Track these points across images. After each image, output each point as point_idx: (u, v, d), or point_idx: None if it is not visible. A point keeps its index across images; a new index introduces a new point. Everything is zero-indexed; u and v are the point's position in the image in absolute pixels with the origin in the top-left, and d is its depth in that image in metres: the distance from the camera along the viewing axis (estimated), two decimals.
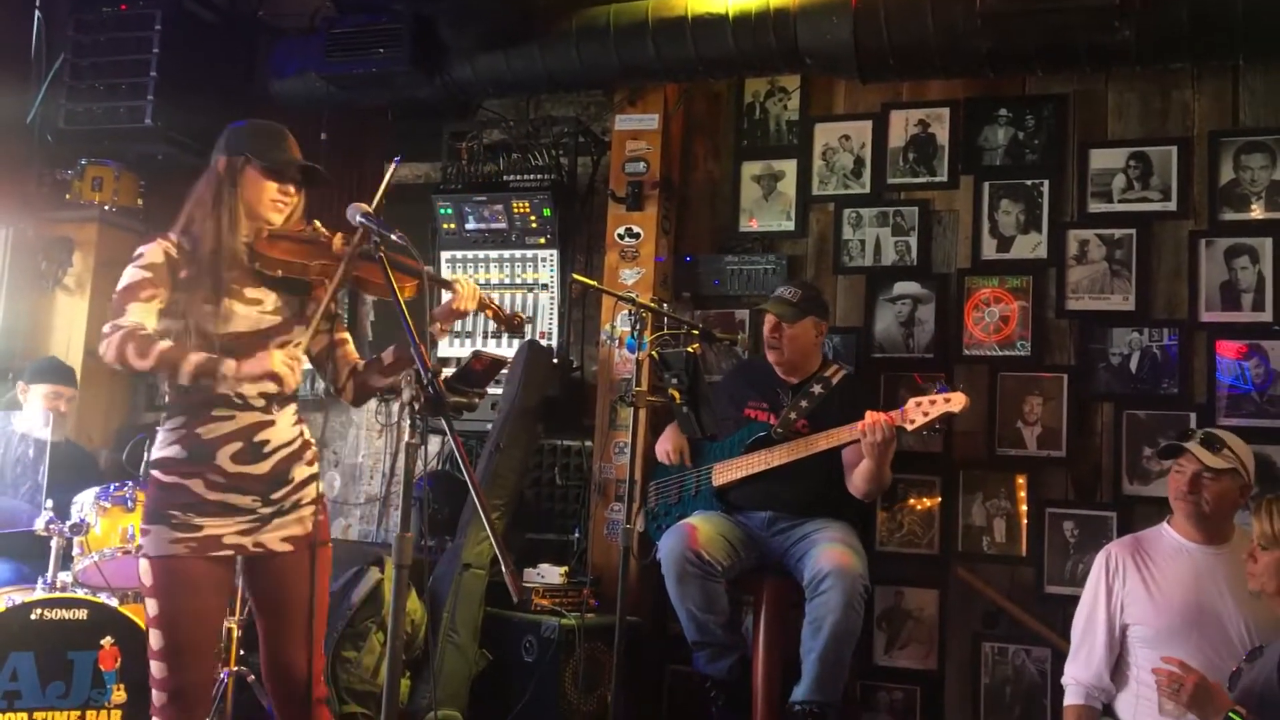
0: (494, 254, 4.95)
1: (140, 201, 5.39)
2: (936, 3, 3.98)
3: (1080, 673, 3.25)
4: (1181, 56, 4.05)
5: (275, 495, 2.70)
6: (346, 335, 2.92)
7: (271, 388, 2.64)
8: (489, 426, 4.58)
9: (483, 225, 4.92)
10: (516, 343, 4.75)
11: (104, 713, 3.59)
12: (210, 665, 2.76)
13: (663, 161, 4.73)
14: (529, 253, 4.91)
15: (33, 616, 3.53)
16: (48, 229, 5.29)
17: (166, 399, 2.72)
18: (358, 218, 2.67)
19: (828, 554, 3.69)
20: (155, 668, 2.62)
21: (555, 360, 4.79)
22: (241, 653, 3.85)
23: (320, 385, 2.99)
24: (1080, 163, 4.37)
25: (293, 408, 2.79)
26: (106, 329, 2.57)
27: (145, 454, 3.97)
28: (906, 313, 4.50)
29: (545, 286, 4.91)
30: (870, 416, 3.66)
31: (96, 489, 3.89)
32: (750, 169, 4.83)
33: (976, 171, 4.49)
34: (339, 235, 2.76)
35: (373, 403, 5.26)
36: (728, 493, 4.01)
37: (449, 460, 4.99)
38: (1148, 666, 3.06)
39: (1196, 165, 4.24)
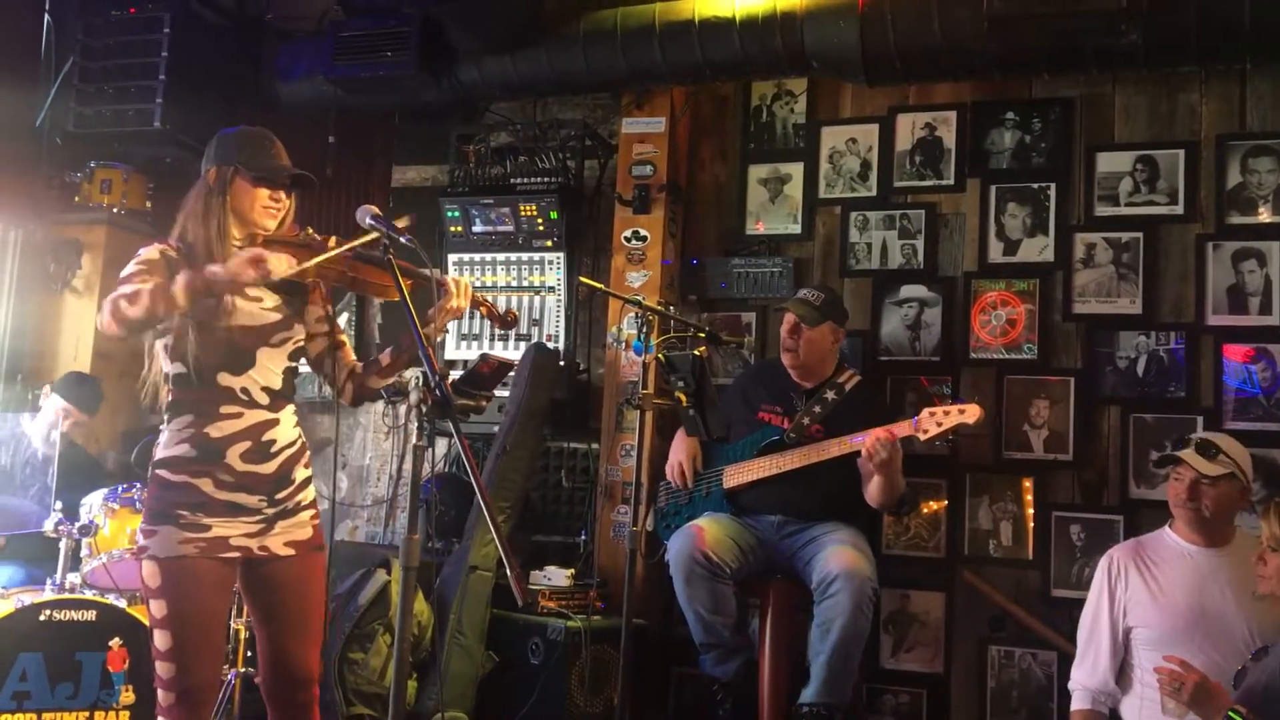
0: (501, 257, 4.96)
1: (149, 204, 5.40)
2: (943, 6, 3.99)
3: (1086, 678, 3.25)
4: (1189, 60, 4.05)
5: (279, 495, 2.71)
6: (344, 338, 2.93)
7: (252, 275, 2.54)
8: (495, 429, 4.58)
9: (490, 228, 4.93)
10: (523, 345, 4.76)
11: (112, 713, 3.60)
12: (218, 665, 2.75)
13: (669, 164, 4.74)
14: (536, 255, 4.92)
15: (41, 618, 3.54)
16: (56, 231, 5.30)
17: (171, 397, 2.71)
18: (367, 220, 2.68)
19: (836, 556, 3.69)
20: (162, 669, 2.61)
21: (562, 363, 4.79)
22: (249, 654, 3.87)
23: (328, 389, 2.98)
24: (1087, 166, 4.37)
25: (292, 408, 2.81)
26: (102, 307, 2.58)
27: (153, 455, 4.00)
28: (913, 316, 4.50)
29: (552, 289, 4.92)
30: (869, 439, 3.66)
31: (105, 490, 3.91)
32: (757, 172, 4.84)
33: (983, 175, 4.49)
34: (333, 239, 2.77)
35: (380, 405, 5.27)
36: (738, 495, 4.01)
37: (456, 463, 5.00)
38: (1151, 669, 3.06)
39: (1204, 169, 4.24)
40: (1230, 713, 2.65)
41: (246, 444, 2.67)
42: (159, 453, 2.70)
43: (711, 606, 3.78)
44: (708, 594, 3.77)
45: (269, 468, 2.70)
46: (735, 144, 4.90)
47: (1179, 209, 4.25)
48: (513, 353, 4.72)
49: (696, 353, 3.75)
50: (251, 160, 2.74)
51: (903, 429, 3.69)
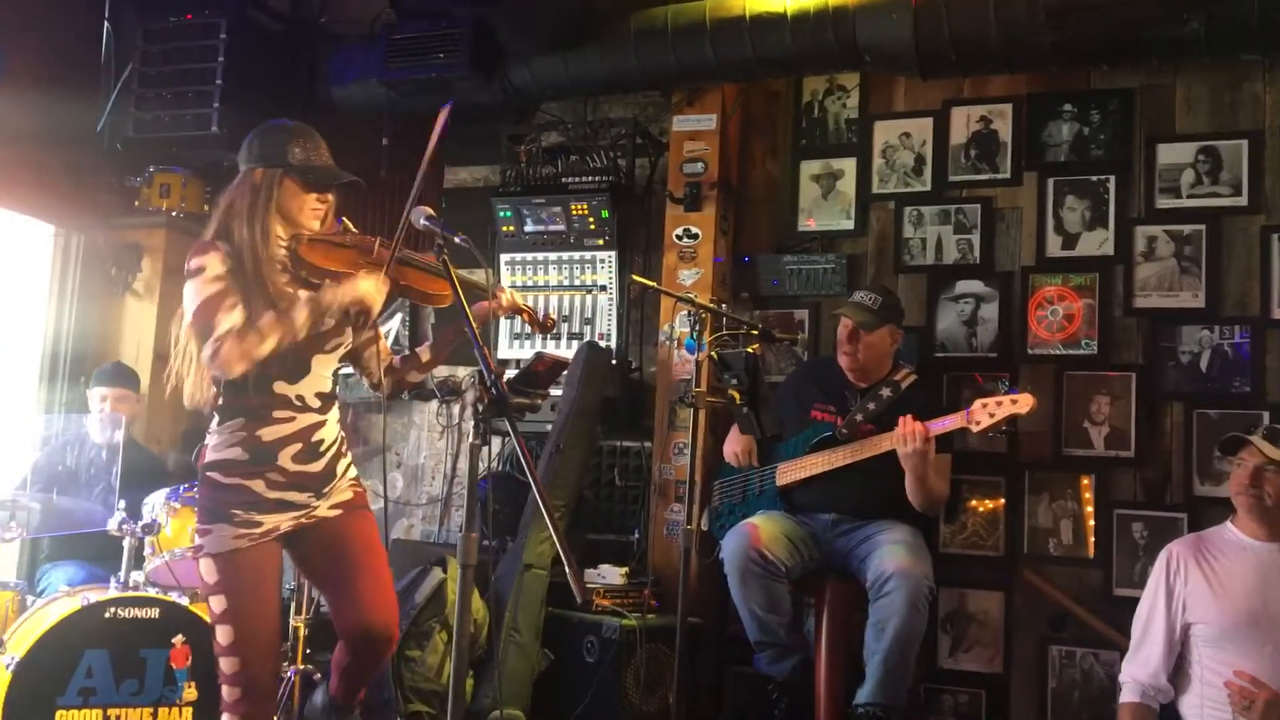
0: (552, 256, 4.97)
1: (206, 207, 5.47)
2: None
3: (1138, 672, 3.20)
4: (1252, 48, 3.96)
5: (326, 489, 2.81)
6: (379, 332, 2.97)
7: (355, 310, 2.68)
8: (549, 427, 4.59)
9: (541, 227, 4.94)
10: (575, 344, 4.77)
11: (176, 710, 3.65)
12: (277, 658, 2.81)
13: (721, 162, 4.72)
14: (587, 254, 4.92)
15: (107, 615, 3.60)
16: (117, 235, 5.39)
17: (222, 402, 2.73)
18: (422, 221, 2.70)
19: (891, 555, 3.66)
20: (225, 663, 2.67)
21: (614, 361, 4.80)
22: (308, 651, 3.91)
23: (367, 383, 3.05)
24: (1148, 158, 4.30)
25: (336, 406, 2.87)
26: (209, 350, 2.59)
27: None
28: (969, 311, 4.44)
29: (604, 288, 4.92)
30: (902, 427, 3.63)
31: (166, 490, 3.97)
32: (809, 168, 4.81)
33: (1041, 168, 4.43)
34: (378, 239, 2.79)
35: (433, 404, 5.31)
36: (791, 493, 3.99)
37: (509, 461, 5.02)
38: (1212, 667, 3.02)
39: (1269, 159, 4.15)
40: None
41: (298, 446, 2.73)
42: (209, 455, 2.74)
43: (767, 605, 3.76)
44: (763, 593, 3.74)
45: (318, 466, 2.78)
46: (787, 140, 4.87)
47: (1243, 200, 4.16)
48: (565, 351, 4.72)
49: (750, 350, 3.74)
50: (302, 163, 2.76)
51: (955, 420, 3.65)
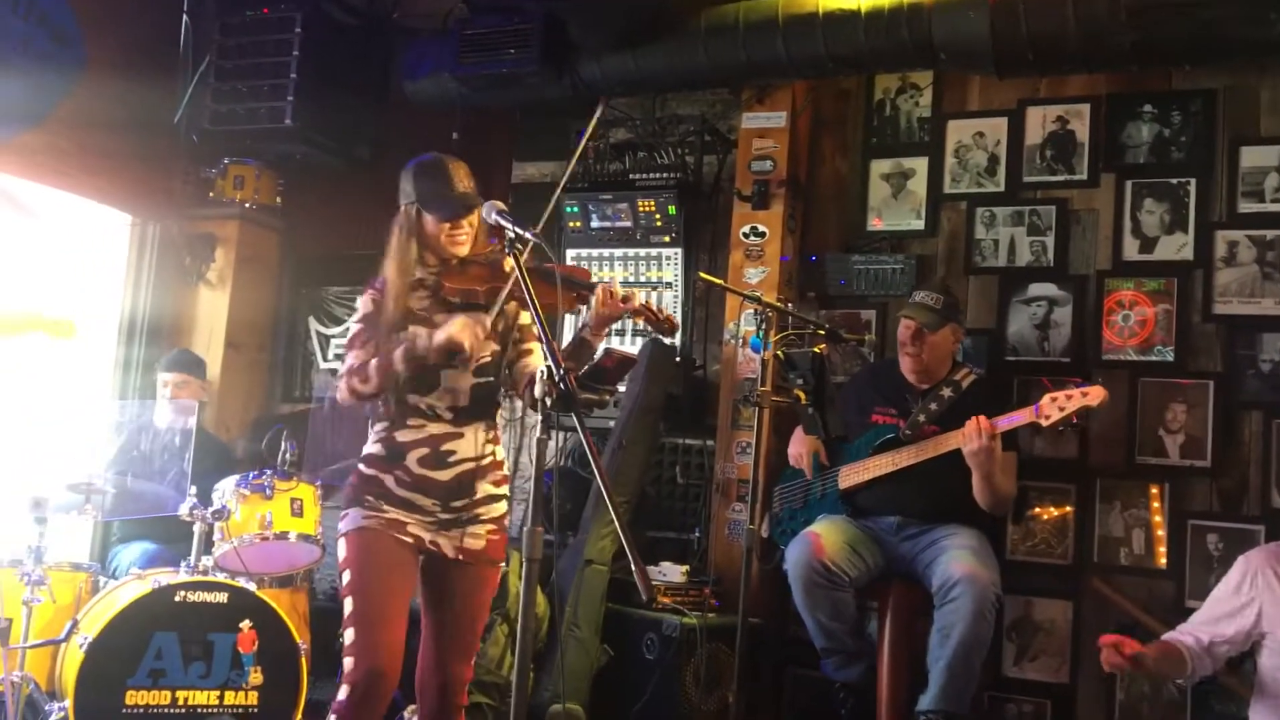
0: (619, 252, 4.97)
1: (279, 199, 5.57)
2: None
3: (1193, 630, 3.11)
4: None
5: (455, 504, 2.88)
6: (532, 346, 3.00)
7: (451, 356, 2.79)
8: (611, 424, 4.60)
9: (608, 223, 4.95)
10: (640, 341, 4.76)
11: (242, 693, 3.71)
12: (396, 634, 2.83)
13: (789, 160, 4.69)
14: (653, 251, 4.92)
15: (176, 599, 3.68)
16: (191, 226, 5.48)
17: (379, 408, 2.94)
18: (493, 216, 2.72)
19: (957, 561, 3.61)
20: (347, 634, 2.78)
21: (678, 359, 4.78)
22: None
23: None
24: (1230, 161, 4.19)
25: (483, 425, 2.94)
26: (337, 380, 2.89)
27: (283, 445, 4.12)
28: (1042, 315, 4.37)
29: (669, 285, 4.91)
30: (969, 425, 3.58)
31: (236, 477, 4.04)
32: (879, 167, 4.75)
33: (1119, 170, 4.34)
34: (509, 258, 2.81)
35: None
36: (855, 497, 3.95)
37: (570, 457, 5.03)
38: None
39: None
40: None
41: (425, 450, 2.87)
42: (364, 450, 2.96)
43: (832, 614, 3.73)
44: (828, 603, 3.72)
45: (444, 475, 2.87)
46: (857, 138, 4.82)
47: None
48: (630, 348, 4.72)
49: (816, 350, 3.71)
50: (429, 195, 2.89)
51: (1023, 416, 3.59)
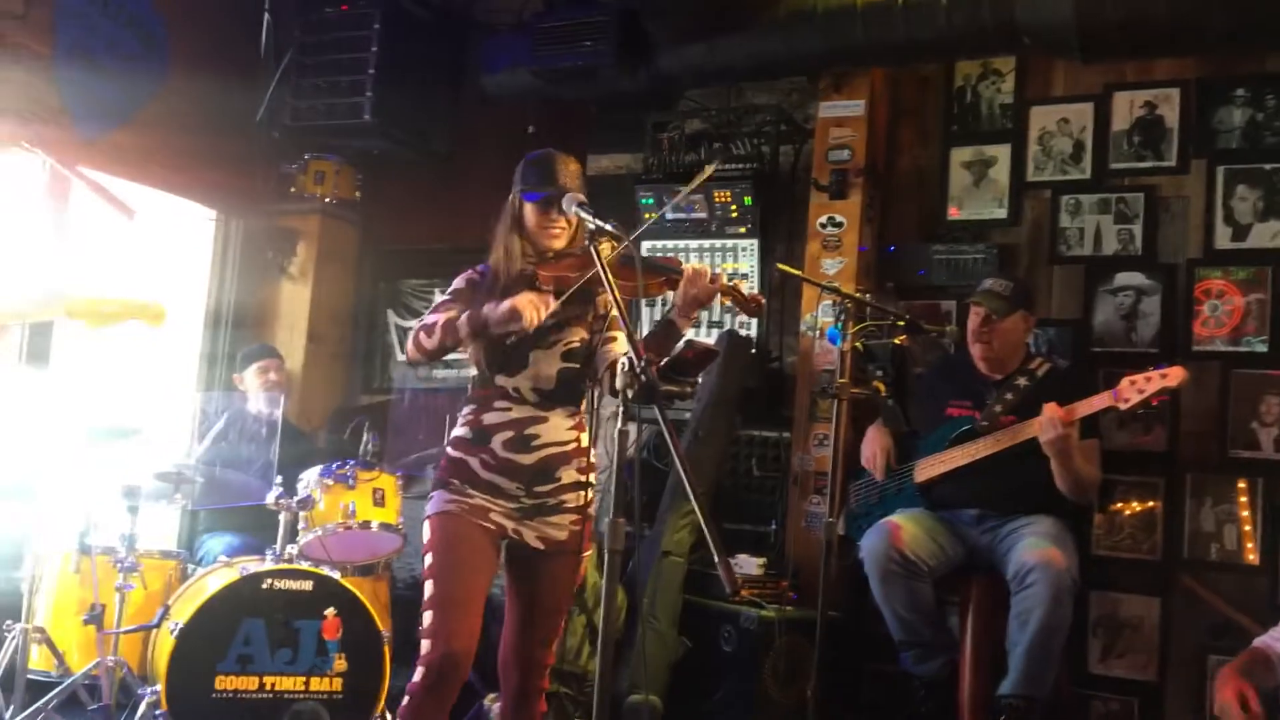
0: (694, 243, 4.96)
1: (358, 194, 5.64)
2: None
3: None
4: None
5: (539, 489, 2.89)
6: (615, 335, 3.00)
7: (513, 328, 2.78)
8: (686, 416, 4.59)
9: (683, 215, 4.93)
10: (716, 333, 4.74)
11: (327, 680, 3.77)
12: (473, 619, 2.85)
13: (868, 148, 4.63)
14: (729, 242, 4.89)
15: (263, 586, 3.74)
16: (274, 220, 5.58)
17: (469, 391, 3.01)
18: (573, 208, 2.74)
19: (1032, 548, 3.56)
20: (426, 617, 2.81)
21: (754, 351, 4.76)
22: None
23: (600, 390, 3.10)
24: None
25: (568, 410, 2.96)
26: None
27: (365, 435, 4.18)
28: (1129, 305, 4.26)
29: (745, 276, 4.88)
30: (1045, 412, 3.51)
31: (320, 467, 4.10)
32: (960, 155, 4.67)
33: (1210, 155, 4.22)
34: (590, 246, 2.82)
35: None
36: (932, 490, 3.90)
37: (646, 449, 5.03)
38: None
39: None
40: None
41: (509, 434, 2.89)
42: (450, 434, 3.01)
43: (909, 605, 3.69)
44: (905, 593, 3.68)
45: (528, 459, 2.88)
46: (937, 126, 4.74)
47: None
48: (705, 339, 4.70)
49: (896, 341, 3.66)
50: (528, 187, 2.93)
51: (1101, 400, 3.52)
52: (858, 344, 3.64)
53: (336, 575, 3.87)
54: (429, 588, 2.82)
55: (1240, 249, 4.13)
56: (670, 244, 4.98)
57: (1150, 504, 4.15)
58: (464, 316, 2.83)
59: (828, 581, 3.46)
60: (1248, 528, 4.00)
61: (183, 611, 3.72)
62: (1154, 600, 4.11)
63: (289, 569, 3.82)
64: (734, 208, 4.81)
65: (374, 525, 4.07)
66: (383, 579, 4.41)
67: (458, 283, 3.00)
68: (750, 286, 4.84)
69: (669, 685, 4.15)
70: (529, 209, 2.93)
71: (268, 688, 3.71)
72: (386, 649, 3.85)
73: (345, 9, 5.16)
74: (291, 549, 3.94)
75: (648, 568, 4.25)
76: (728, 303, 2.99)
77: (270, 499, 3.95)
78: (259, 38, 5.30)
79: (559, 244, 2.95)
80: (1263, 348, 4.05)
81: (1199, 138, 4.24)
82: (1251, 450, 4.03)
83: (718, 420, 4.52)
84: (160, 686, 3.60)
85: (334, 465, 4.09)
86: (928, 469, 3.90)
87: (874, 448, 4.07)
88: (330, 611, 3.78)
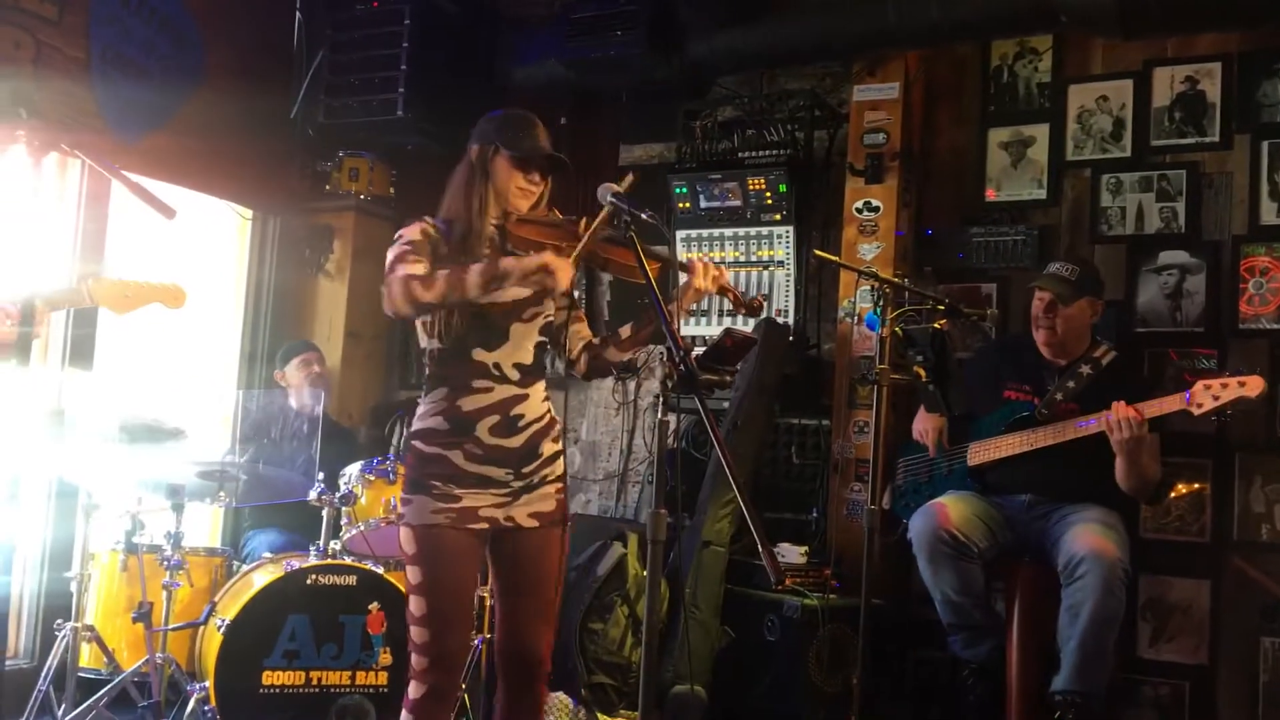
0: (729, 232, 4.93)
1: (392, 190, 5.65)
2: None
3: None
4: None
5: (526, 469, 2.75)
6: (582, 314, 2.95)
7: (542, 282, 2.59)
8: (725, 405, 4.57)
9: (717, 203, 4.91)
10: (752, 321, 4.72)
11: (372, 673, 3.80)
12: (468, 632, 2.85)
13: (903, 131, 4.59)
14: (764, 230, 4.86)
15: (308, 581, 3.77)
16: (310, 218, 5.61)
17: (428, 371, 2.79)
18: (608, 198, 2.69)
19: (1083, 537, 3.50)
20: (416, 633, 2.71)
21: (792, 338, 4.73)
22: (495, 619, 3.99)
23: (560, 364, 3.01)
24: None
25: (542, 384, 2.84)
26: (384, 287, 2.64)
27: (402, 429, 4.20)
28: (1173, 284, 4.20)
29: (781, 263, 4.85)
30: (1117, 412, 3.45)
31: (361, 463, 4.12)
32: (997, 135, 4.62)
33: (1254, 130, 4.14)
34: (584, 219, 2.79)
35: (609, 381, 5.34)
36: (984, 474, 3.85)
37: (684, 439, 5.02)
38: None
39: None
40: None
41: (495, 418, 2.71)
42: (415, 424, 2.79)
43: (958, 587, 3.65)
44: (954, 574, 3.63)
45: (516, 441, 2.74)
46: (974, 107, 4.69)
47: None
48: (742, 328, 4.67)
49: (936, 326, 3.61)
50: (511, 140, 2.78)
51: (1173, 403, 3.44)
52: (896, 329, 3.58)
53: (380, 570, 3.89)
54: (418, 604, 2.68)
55: None
56: (705, 233, 4.96)
57: (1198, 485, 4.09)
58: (474, 268, 2.58)
59: (871, 569, 3.43)
60: None
61: (229, 608, 3.76)
62: (1204, 583, 4.06)
63: (333, 564, 3.84)
64: (768, 195, 4.78)
65: None
66: None
67: (410, 233, 2.72)
68: (787, 274, 4.82)
69: (713, 675, 4.14)
70: (502, 165, 2.77)
71: (314, 682, 3.74)
72: None
73: (376, 6, 5.16)
74: (335, 544, 3.96)
75: (689, 558, 4.24)
76: (729, 299, 2.87)
77: (313, 495, 3.98)
78: (291, 37, 5.33)
79: (524, 207, 2.80)
80: None
81: (1242, 112, 4.17)
82: None
83: (756, 408, 4.50)
84: (209, 683, 3.64)
85: (375, 460, 4.11)
86: (982, 453, 3.85)
87: (926, 424, 4.02)
88: (374, 606, 3.81)
